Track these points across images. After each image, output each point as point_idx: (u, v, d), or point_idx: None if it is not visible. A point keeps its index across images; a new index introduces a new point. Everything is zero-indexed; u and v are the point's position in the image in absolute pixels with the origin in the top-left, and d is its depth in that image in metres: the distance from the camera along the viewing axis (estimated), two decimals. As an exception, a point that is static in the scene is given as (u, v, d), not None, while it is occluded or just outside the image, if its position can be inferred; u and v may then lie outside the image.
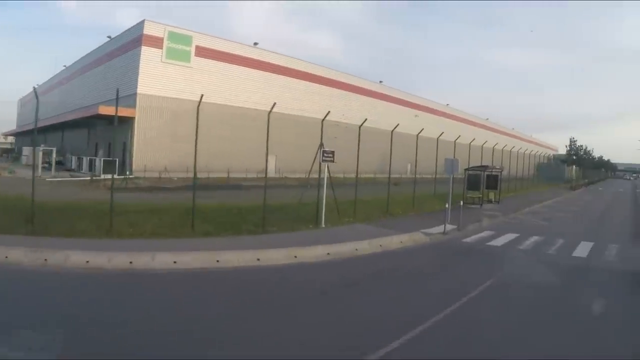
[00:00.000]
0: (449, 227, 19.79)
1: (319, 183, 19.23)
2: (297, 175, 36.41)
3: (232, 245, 13.19)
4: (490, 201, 33.11)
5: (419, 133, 25.81)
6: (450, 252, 16.18)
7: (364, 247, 15.34)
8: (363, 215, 20.96)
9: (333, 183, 19.86)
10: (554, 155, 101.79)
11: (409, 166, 60.19)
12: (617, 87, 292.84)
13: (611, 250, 17.43)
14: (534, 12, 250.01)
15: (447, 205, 20.40)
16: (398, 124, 23.62)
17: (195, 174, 15.80)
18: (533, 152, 55.37)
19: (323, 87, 55.53)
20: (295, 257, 13.04)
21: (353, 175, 22.92)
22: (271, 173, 42.52)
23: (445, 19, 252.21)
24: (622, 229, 24.12)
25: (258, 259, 12.42)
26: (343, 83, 59.18)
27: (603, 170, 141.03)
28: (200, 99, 15.40)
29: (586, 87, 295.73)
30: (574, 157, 68.76)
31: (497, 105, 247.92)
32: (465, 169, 31.38)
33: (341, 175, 28.88)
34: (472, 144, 33.76)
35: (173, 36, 41.50)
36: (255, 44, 50.01)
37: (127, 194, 24.74)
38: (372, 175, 42.13)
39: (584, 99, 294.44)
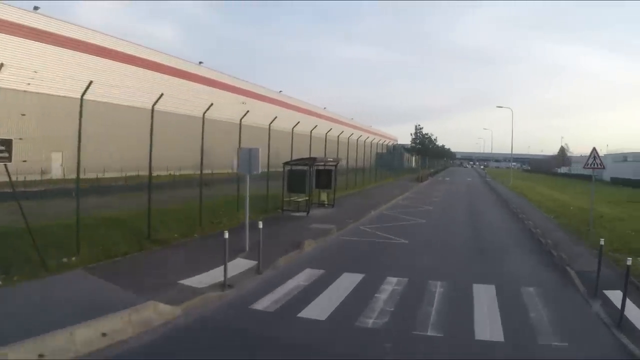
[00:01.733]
0: (241, 265, 12.24)
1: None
2: (90, 176, 28.80)
3: None
4: (322, 204, 25.22)
5: (205, 110, 17.15)
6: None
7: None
8: (100, 248, 12.54)
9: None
10: (394, 144, 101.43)
11: (235, 161, 51.90)
12: (455, 82, 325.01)
13: (535, 308, 9.90)
14: (379, 10, 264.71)
15: (224, 233, 10.94)
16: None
17: None
18: (374, 141, 52.20)
19: (125, 65, 44.13)
20: None
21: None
22: (57, 173, 33.56)
23: (286, 14, 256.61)
24: (516, 247, 17.11)
25: None
26: (151, 62, 48.36)
27: (445, 159, 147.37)
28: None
29: (426, 82, 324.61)
30: (420, 146, 65.47)
31: (341, 99, 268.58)
32: (285, 163, 22.78)
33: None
34: (305, 132, 25.98)
35: None
36: (36, 8, 36.78)
37: None
38: (189, 172, 34.10)
39: (423, 93, 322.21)
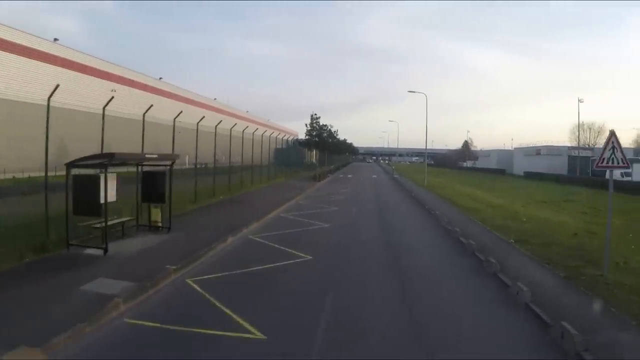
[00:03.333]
0: None
1: None
2: None
3: None
4: (156, 225, 15.87)
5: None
6: None
7: None
8: None
9: None
10: (293, 139, 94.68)
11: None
12: (358, 79, 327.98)
13: None
14: (281, 9, 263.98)
15: None
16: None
17: None
18: (272, 135, 45.88)
19: None
20: None
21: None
22: None
23: (189, 12, 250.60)
24: (500, 340, 8.38)
25: None
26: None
27: (347, 154, 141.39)
28: None
29: (330, 79, 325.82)
30: (317, 139, 56.55)
31: (245, 96, 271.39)
32: (69, 164, 13.08)
33: None
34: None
35: None
36: None
37: None
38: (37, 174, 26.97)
39: (328, 89, 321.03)
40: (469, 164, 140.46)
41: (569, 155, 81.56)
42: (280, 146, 59.48)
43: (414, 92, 44.11)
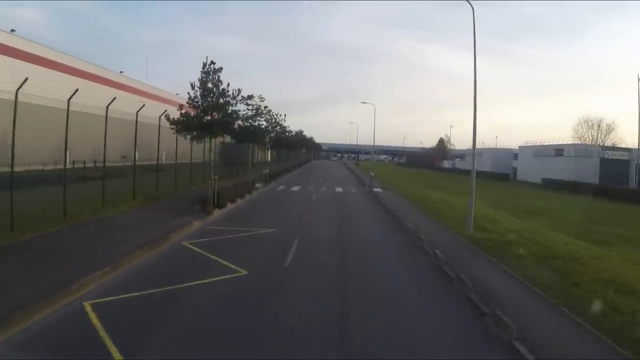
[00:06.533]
0: None
1: None
2: None
3: None
4: None
5: None
6: None
7: None
8: None
9: None
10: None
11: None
12: (324, 76, 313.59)
13: None
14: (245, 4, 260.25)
15: None
16: None
17: None
18: None
19: None
20: None
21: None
22: None
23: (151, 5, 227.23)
24: None
25: None
26: None
27: (304, 150, 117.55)
28: None
29: (294, 75, 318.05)
30: (213, 114, 27.60)
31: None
32: None
33: None
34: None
35: None
36: None
37: None
38: None
39: (291, 85, 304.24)
40: (447, 163, 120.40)
41: (601, 158, 59.47)
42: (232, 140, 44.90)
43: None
